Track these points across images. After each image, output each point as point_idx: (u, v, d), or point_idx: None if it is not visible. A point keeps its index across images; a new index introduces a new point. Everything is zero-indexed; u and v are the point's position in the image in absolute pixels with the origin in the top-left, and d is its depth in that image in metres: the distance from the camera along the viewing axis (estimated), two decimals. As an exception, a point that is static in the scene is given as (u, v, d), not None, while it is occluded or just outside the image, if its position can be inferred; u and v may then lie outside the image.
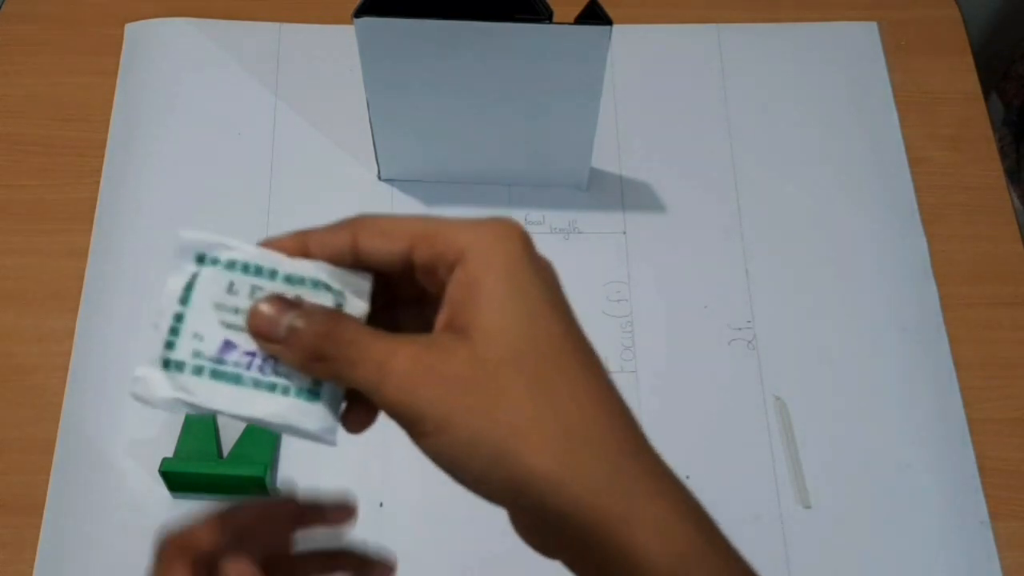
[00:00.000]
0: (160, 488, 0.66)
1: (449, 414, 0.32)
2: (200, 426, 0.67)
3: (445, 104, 0.71)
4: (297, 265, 0.35)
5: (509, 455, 0.32)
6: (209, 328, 0.34)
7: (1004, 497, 0.68)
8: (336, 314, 0.34)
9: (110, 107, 0.80)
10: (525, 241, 0.34)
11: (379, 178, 0.78)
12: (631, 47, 0.83)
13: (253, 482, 0.64)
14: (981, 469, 0.69)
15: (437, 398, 0.32)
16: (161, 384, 0.34)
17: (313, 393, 0.34)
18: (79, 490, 0.67)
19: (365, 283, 0.35)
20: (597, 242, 0.76)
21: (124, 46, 0.83)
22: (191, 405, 0.34)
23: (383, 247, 0.34)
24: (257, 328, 0.34)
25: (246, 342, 0.34)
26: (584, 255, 0.76)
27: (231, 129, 0.80)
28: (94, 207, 0.76)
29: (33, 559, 0.65)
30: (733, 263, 0.76)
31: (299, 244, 0.35)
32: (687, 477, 0.35)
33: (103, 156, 0.78)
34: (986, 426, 0.70)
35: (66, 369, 0.70)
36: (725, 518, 0.35)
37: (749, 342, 0.73)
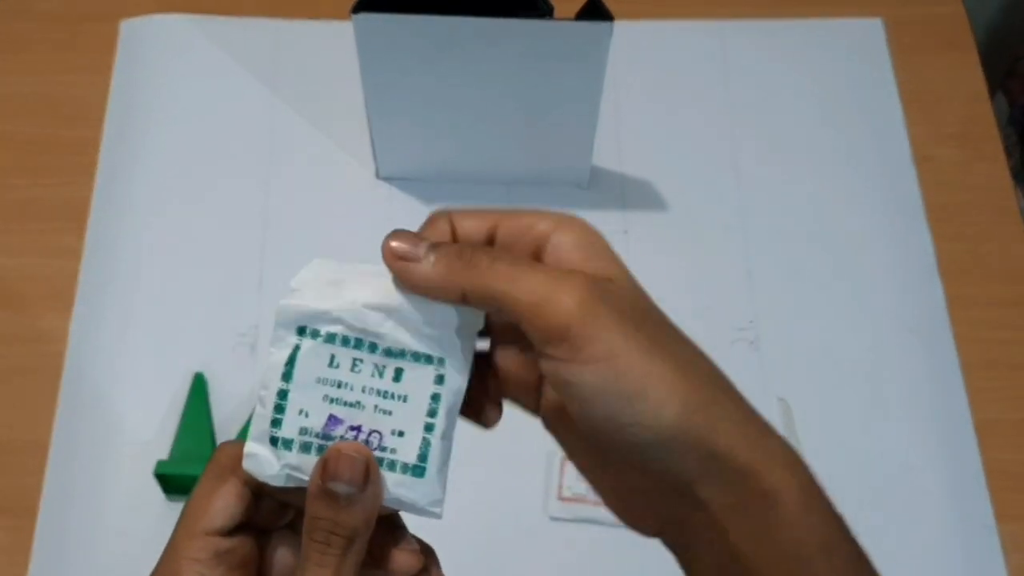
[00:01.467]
0: (155, 490, 0.65)
1: (622, 345, 0.32)
2: (195, 428, 0.66)
3: (444, 101, 0.70)
4: (398, 337, 0.35)
5: (668, 395, 0.32)
6: (313, 404, 0.35)
7: (1010, 499, 0.67)
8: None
9: (105, 105, 0.80)
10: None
11: (377, 176, 0.77)
12: (633, 44, 0.82)
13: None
14: (987, 471, 0.68)
15: (611, 325, 0.32)
16: (270, 462, 0.35)
17: (419, 468, 0.35)
18: (73, 492, 0.66)
19: (470, 342, 0.35)
20: (598, 241, 0.75)
21: (119, 43, 0.82)
22: (303, 482, 0.35)
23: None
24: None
25: (350, 417, 0.35)
26: (585, 254, 0.75)
27: (227, 127, 0.79)
28: (88, 206, 0.76)
29: (27, 562, 0.64)
30: (735, 263, 0.75)
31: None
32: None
33: (97, 154, 0.78)
34: (992, 427, 0.70)
35: (60, 370, 0.70)
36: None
37: (751, 342, 0.72)
